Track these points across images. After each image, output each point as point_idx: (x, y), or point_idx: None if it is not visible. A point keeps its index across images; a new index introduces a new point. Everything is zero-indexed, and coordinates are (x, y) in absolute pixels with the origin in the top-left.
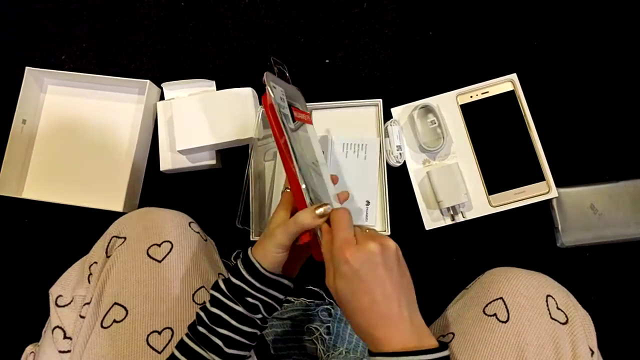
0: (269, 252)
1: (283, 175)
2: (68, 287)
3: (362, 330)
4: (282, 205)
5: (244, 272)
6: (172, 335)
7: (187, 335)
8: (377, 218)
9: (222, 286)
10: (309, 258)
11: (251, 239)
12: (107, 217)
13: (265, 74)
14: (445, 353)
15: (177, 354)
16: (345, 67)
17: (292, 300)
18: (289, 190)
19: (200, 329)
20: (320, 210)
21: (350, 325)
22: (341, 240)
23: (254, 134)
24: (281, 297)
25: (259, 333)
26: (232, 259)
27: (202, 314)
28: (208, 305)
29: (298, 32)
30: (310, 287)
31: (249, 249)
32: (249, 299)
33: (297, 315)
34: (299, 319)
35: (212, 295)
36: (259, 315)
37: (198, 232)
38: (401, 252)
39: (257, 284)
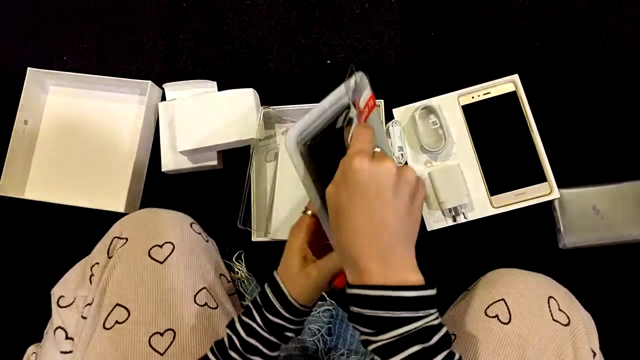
0: (307, 293)
1: (286, 178)
2: (70, 287)
3: (345, 254)
4: (300, 229)
5: (282, 311)
6: (174, 337)
7: (215, 356)
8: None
9: (258, 319)
10: None
11: (252, 239)
12: (108, 218)
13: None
14: (430, 292)
15: None
16: (347, 67)
17: None
18: (309, 213)
19: (232, 354)
20: None
21: (334, 245)
22: (356, 149)
23: (256, 135)
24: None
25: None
26: (233, 259)
27: (235, 339)
28: (242, 333)
29: (299, 32)
30: None
31: (277, 279)
32: (288, 334)
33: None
34: None
35: (246, 323)
36: (288, 343)
37: (199, 233)
38: (421, 195)
39: (295, 319)
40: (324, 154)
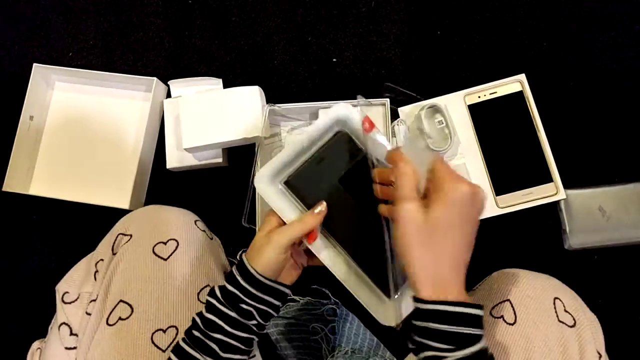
0: (266, 256)
1: None
2: (74, 284)
3: (419, 274)
4: (274, 211)
5: (239, 279)
6: (176, 334)
7: (183, 339)
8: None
9: (217, 292)
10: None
11: None
12: (113, 215)
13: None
14: (481, 312)
15: (173, 357)
16: (353, 66)
17: (298, 299)
18: None
19: (196, 333)
20: (320, 209)
21: (406, 263)
22: (446, 175)
23: (261, 133)
24: (277, 303)
25: (256, 339)
26: (237, 257)
27: (197, 319)
28: (203, 311)
29: (305, 30)
30: (316, 286)
31: (243, 254)
32: (243, 306)
33: (302, 314)
34: (304, 318)
35: (207, 301)
36: (254, 322)
37: (204, 231)
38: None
39: (253, 290)
40: (312, 183)
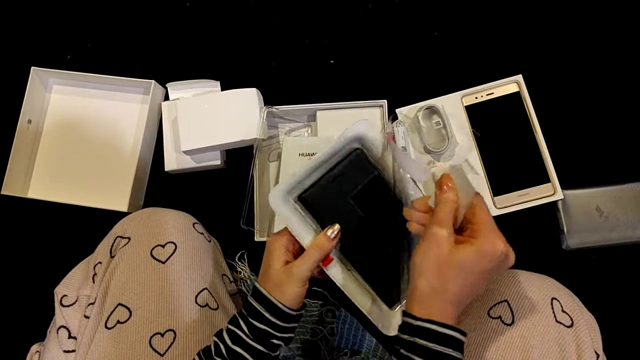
0: (291, 291)
1: (287, 175)
2: (73, 287)
3: (419, 292)
4: (281, 237)
5: (267, 315)
6: (174, 338)
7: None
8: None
9: (244, 327)
10: None
11: (255, 239)
12: (111, 217)
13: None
14: (464, 338)
15: None
16: (350, 67)
17: None
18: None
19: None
20: (332, 232)
21: (413, 278)
22: (493, 232)
23: (259, 135)
24: (297, 325)
25: None
26: (236, 259)
27: (221, 346)
28: (228, 340)
29: (303, 32)
30: (315, 288)
31: (258, 286)
32: (275, 341)
33: (301, 316)
34: (303, 320)
35: (231, 331)
36: (278, 352)
37: (202, 233)
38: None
39: (282, 324)
40: (325, 200)
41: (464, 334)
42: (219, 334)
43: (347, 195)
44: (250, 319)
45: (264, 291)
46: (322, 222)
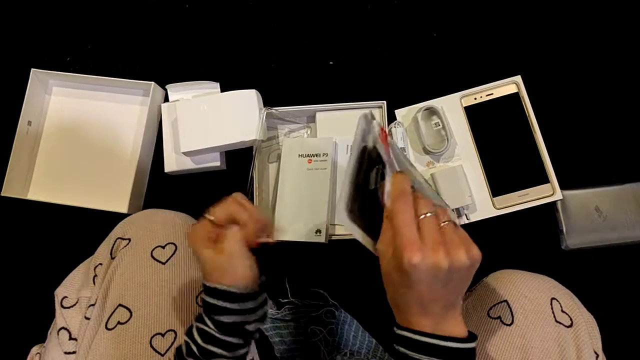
0: (237, 269)
1: (288, 179)
2: (73, 288)
3: (394, 306)
4: (199, 235)
5: (226, 305)
6: (175, 338)
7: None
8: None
9: (210, 324)
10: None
11: None
12: (111, 219)
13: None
14: (471, 345)
15: None
16: (349, 68)
17: (296, 302)
18: (210, 218)
19: None
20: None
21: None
22: (405, 240)
23: (258, 136)
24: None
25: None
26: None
27: (192, 346)
28: (199, 340)
29: (302, 34)
30: (315, 289)
31: (209, 283)
32: (248, 327)
33: (301, 317)
34: (302, 321)
35: (200, 330)
36: (257, 335)
37: None
38: (475, 269)
39: (241, 307)
40: (365, 211)
41: (443, 338)
42: (189, 334)
43: (370, 186)
44: (215, 317)
45: (213, 284)
46: (369, 229)
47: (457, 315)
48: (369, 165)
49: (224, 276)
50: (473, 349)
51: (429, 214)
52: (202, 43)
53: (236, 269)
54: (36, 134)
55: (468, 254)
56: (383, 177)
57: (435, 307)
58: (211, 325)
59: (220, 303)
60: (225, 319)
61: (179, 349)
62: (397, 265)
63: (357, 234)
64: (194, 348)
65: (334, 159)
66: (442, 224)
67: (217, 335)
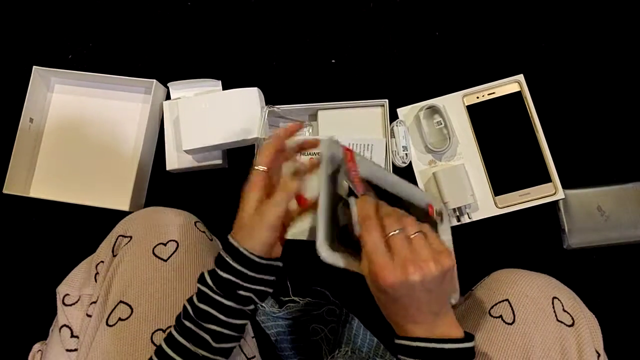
0: (260, 234)
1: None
2: (75, 286)
3: (389, 320)
4: (254, 185)
5: (233, 264)
6: None
7: (174, 327)
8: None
9: (209, 280)
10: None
11: None
12: (113, 216)
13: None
14: (468, 344)
15: (164, 347)
16: (352, 67)
17: (298, 300)
18: (261, 169)
19: (187, 323)
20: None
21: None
22: (376, 265)
23: (260, 134)
24: (272, 279)
25: (248, 322)
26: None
27: (188, 307)
28: (195, 299)
29: (304, 32)
30: (316, 287)
31: (229, 236)
32: (242, 292)
33: (302, 315)
34: (303, 319)
35: (198, 289)
36: (251, 306)
37: (204, 232)
38: (450, 273)
39: (250, 274)
40: (345, 235)
41: (439, 340)
42: (189, 299)
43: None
44: (216, 270)
45: (231, 239)
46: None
47: (449, 318)
48: (335, 197)
49: (246, 237)
50: (471, 349)
51: (396, 232)
52: (204, 41)
53: (260, 235)
54: (38, 132)
55: (437, 265)
56: (348, 206)
57: (423, 315)
58: (210, 282)
59: (228, 258)
60: (224, 274)
61: (177, 316)
62: (377, 287)
63: (341, 262)
64: (190, 309)
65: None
66: (411, 236)
67: (211, 294)
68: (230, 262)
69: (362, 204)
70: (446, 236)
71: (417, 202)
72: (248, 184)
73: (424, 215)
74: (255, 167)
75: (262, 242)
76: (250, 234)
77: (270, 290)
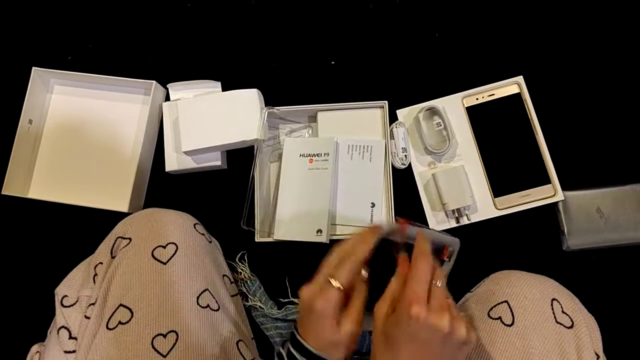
0: (350, 349)
1: (290, 179)
2: (73, 287)
3: None
4: (329, 304)
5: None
6: (176, 339)
7: None
8: (382, 220)
9: None
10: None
11: (256, 240)
12: (112, 218)
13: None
14: None
15: None
16: (351, 68)
17: (297, 301)
18: (337, 286)
19: None
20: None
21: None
22: (414, 292)
23: (259, 135)
24: None
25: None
26: (237, 260)
27: None
28: None
29: (304, 33)
30: None
31: (311, 349)
32: None
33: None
34: None
35: None
36: None
37: (203, 234)
38: (470, 347)
39: None
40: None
41: None
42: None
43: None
44: None
45: (317, 352)
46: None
47: None
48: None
49: (331, 350)
50: None
51: (440, 284)
52: (203, 42)
53: (345, 346)
54: (37, 133)
55: (468, 331)
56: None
57: None
58: None
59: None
60: None
61: None
62: (396, 320)
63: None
64: None
65: (335, 159)
66: (449, 300)
67: None
68: None
69: (424, 238)
70: (445, 271)
71: (436, 239)
72: (322, 299)
73: (434, 252)
74: (331, 281)
75: (345, 352)
76: (339, 349)
77: None
